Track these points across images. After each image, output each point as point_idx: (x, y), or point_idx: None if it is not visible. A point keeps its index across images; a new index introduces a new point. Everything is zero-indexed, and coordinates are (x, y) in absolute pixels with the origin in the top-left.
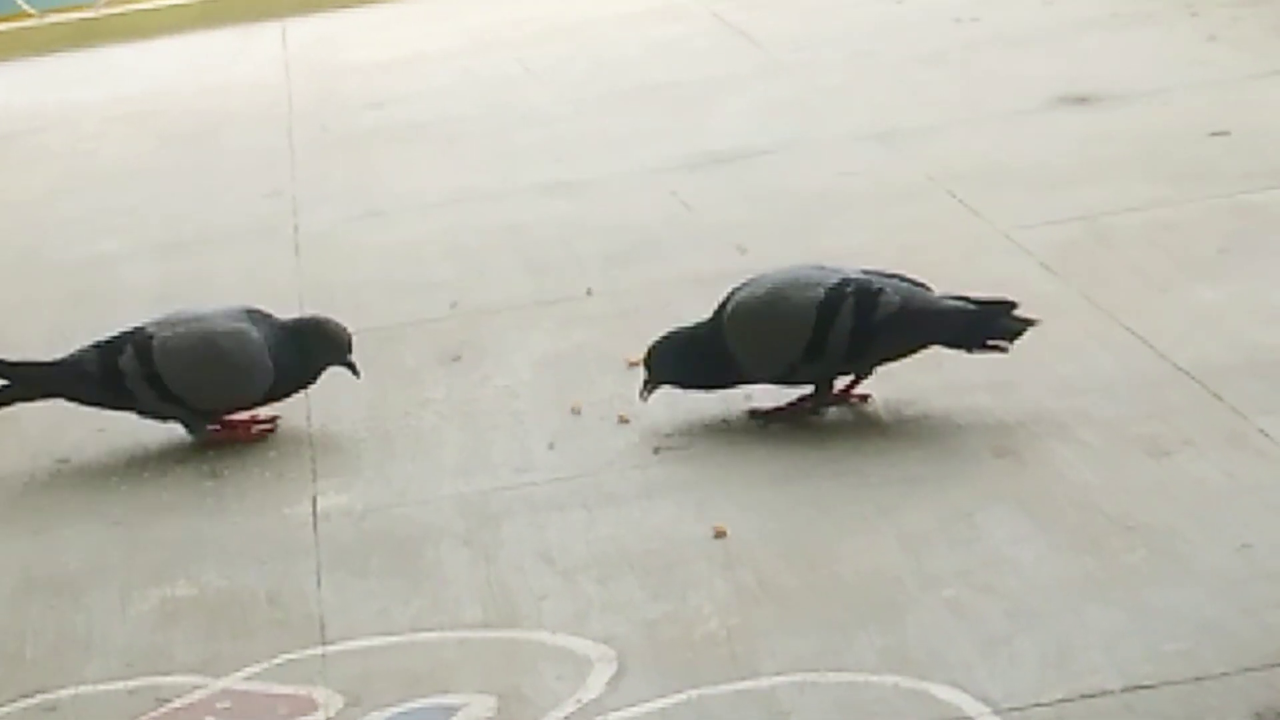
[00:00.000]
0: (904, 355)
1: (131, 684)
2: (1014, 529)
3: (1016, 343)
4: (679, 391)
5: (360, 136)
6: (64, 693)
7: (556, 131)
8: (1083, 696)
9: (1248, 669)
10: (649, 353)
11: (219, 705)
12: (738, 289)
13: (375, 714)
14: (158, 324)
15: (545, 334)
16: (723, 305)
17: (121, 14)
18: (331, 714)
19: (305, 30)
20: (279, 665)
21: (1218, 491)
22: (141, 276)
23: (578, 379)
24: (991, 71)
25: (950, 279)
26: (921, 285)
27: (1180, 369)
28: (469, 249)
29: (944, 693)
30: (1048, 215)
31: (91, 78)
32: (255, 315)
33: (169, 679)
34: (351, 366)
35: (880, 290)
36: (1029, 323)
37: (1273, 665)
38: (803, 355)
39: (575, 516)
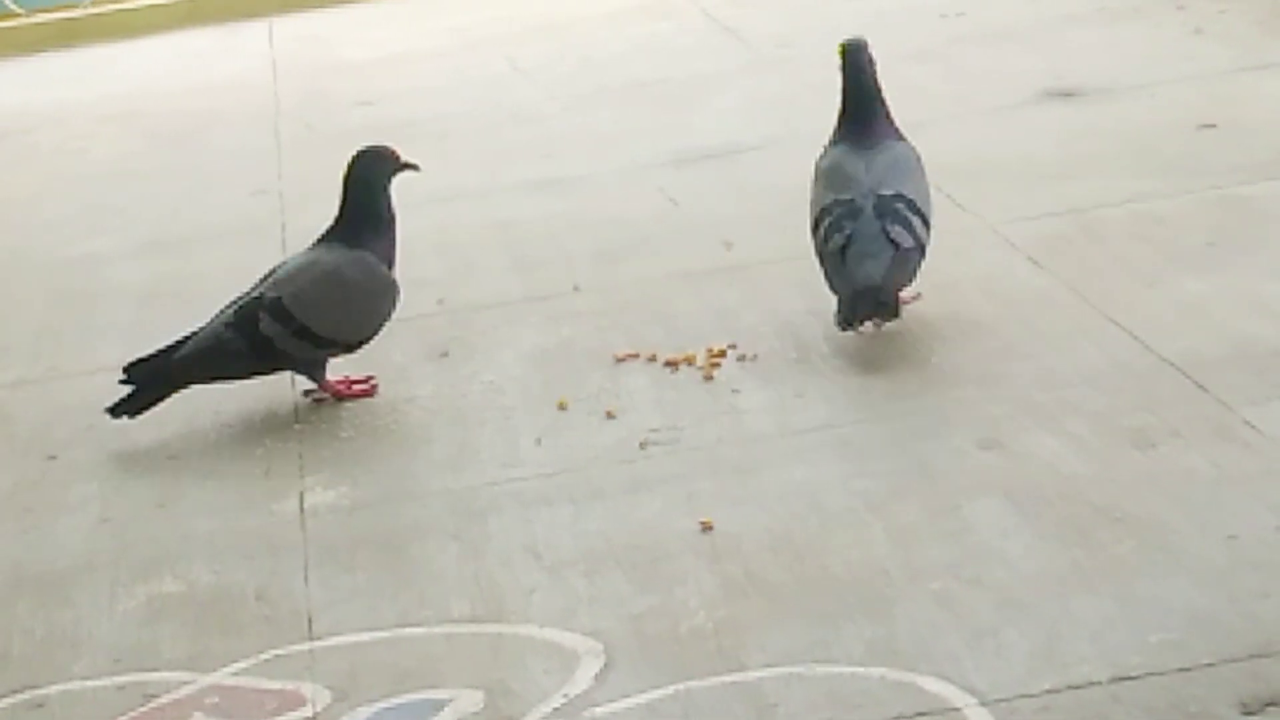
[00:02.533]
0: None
1: (120, 680)
2: (1001, 521)
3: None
4: (667, 384)
5: (348, 134)
6: (52, 689)
7: (545, 129)
8: (1070, 687)
9: (1234, 659)
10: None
11: (207, 701)
12: (838, 142)
13: (363, 709)
14: (272, 285)
15: (533, 330)
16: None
17: (108, 13)
18: (319, 709)
19: (292, 28)
20: (267, 661)
21: (1205, 483)
22: (129, 275)
23: (565, 375)
24: (978, 66)
25: (938, 273)
26: (901, 245)
27: (1167, 361)
28: (457, 246)
29: (931, 684)
30: (1035, 209)
31: (79, 77)
32: (339, 234)
33: (157, 675)
34: (410, 165)
35: (841, 228)
36: (865, 319)
37: (1259, 655)
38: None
39: (562, 511)
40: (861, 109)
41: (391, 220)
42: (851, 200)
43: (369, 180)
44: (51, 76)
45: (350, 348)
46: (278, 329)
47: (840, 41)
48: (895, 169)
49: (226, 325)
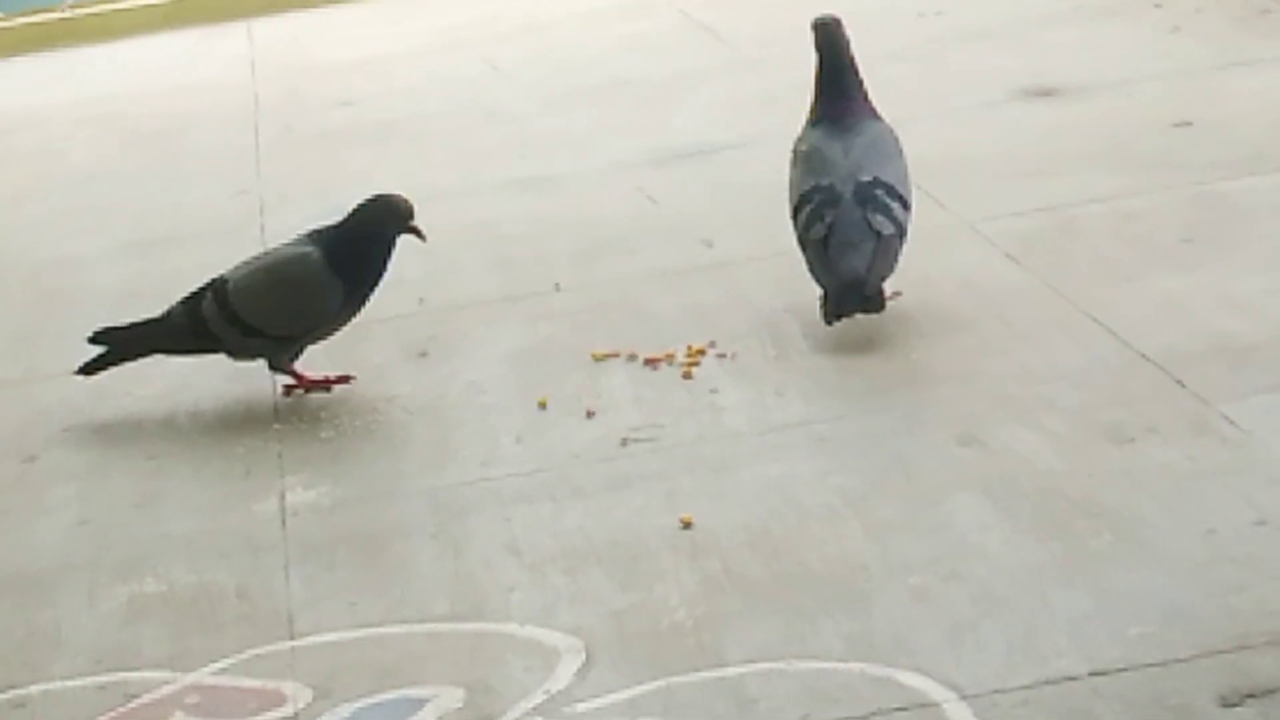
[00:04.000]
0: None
1: (100, 680)
2: (979, 516)
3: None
4: (646, 382)
5: (327, 135)
6: (33, 689)
7: (523, 129)
8: (1049, 681)
9: (1213, 652)
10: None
11: (188, 700)
12: (816, 116)
13: (344, 707)
14: (234, 269)
15: (512, 329)
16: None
17: (88, 15)
18: (300, 707)
19: (271, 30)
20: (247, 660)
21: (1182, 477)
22: (109, 276)
23: (545, 373)
24: (956, 65)
25: (916, 270)
26: (882, 232)
27: (1144, 356)
28: (436, 246)
29: (910, 679)
30: (1012, 206)
31: (58, 79)
32: (316, 234)
33: (138, 675)
34: (416, 231)
35: (822, 216)
36: (851, 314)
37: (1237, 648)
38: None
39: (543, 509)
40: (838, 86)
41: (380, 272)
42: (831, 186)
43: (374, 233)
44: (30, 79)
45: (280, 342)
46: (214, 311)
47: (814, 19)
48: (874, 152)
49: (182, 301)
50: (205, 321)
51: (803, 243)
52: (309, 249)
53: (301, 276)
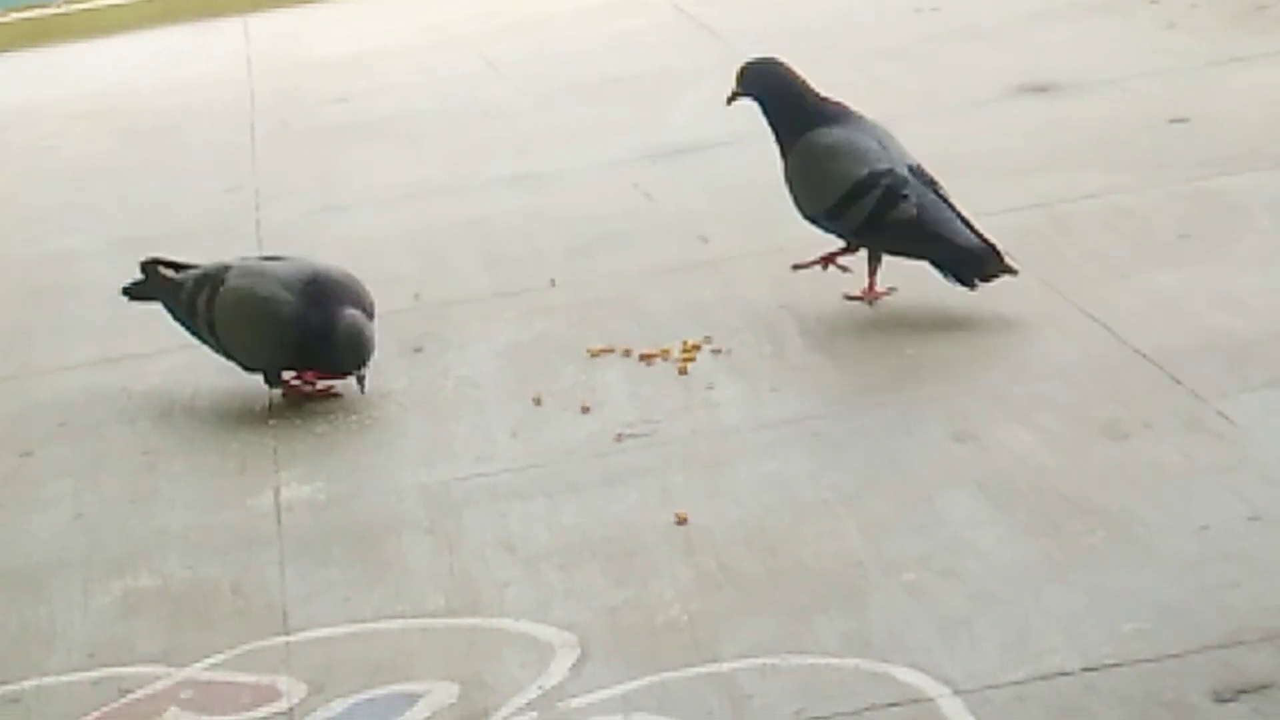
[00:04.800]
0: (902, 255)
1: (94, 675)
2: (974, 513)
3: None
4: (642, 378)
5: (322, 132)
6: (27, 684)
7: (518, 125)
8: (1043, 677)
9: (1206, 648)
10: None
11: (182, 695)
12: (816, 125)
13: (338, 702)
14: (238, 270)
15: (507, 325)
16: (799, 129)
17: (83, 10)
18: (294, 702)
19: (267, 26)
20: (242, 655)
21: (1176, 474)
22: (103, 273)
23: (540, 369)
24: (951, 62)
25: (911, 266)
26: (945, 200)
27: (1139, 353)
28: (431, 242)
29: (905, 675)
30: (1008, 203)
31: (53, 75)
32: (311, 284)
33: (132, 669)
34: (359, 380)
35: (905, 196)
36: (1008, 270)
37: (1231, 645)
38: (825, 213)
39: (537, 505)
40: (809, 102)
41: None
42: (892, 170)
43: (338, 346)
44: (25, 74)
45: (245, 367)
46: (203, 309)
47: (743, 65)
48: (896, 142)
49: (197, 278)
50: (196, 314)
51: (878, 224)
52: (289, 299)
53: (264, 318)
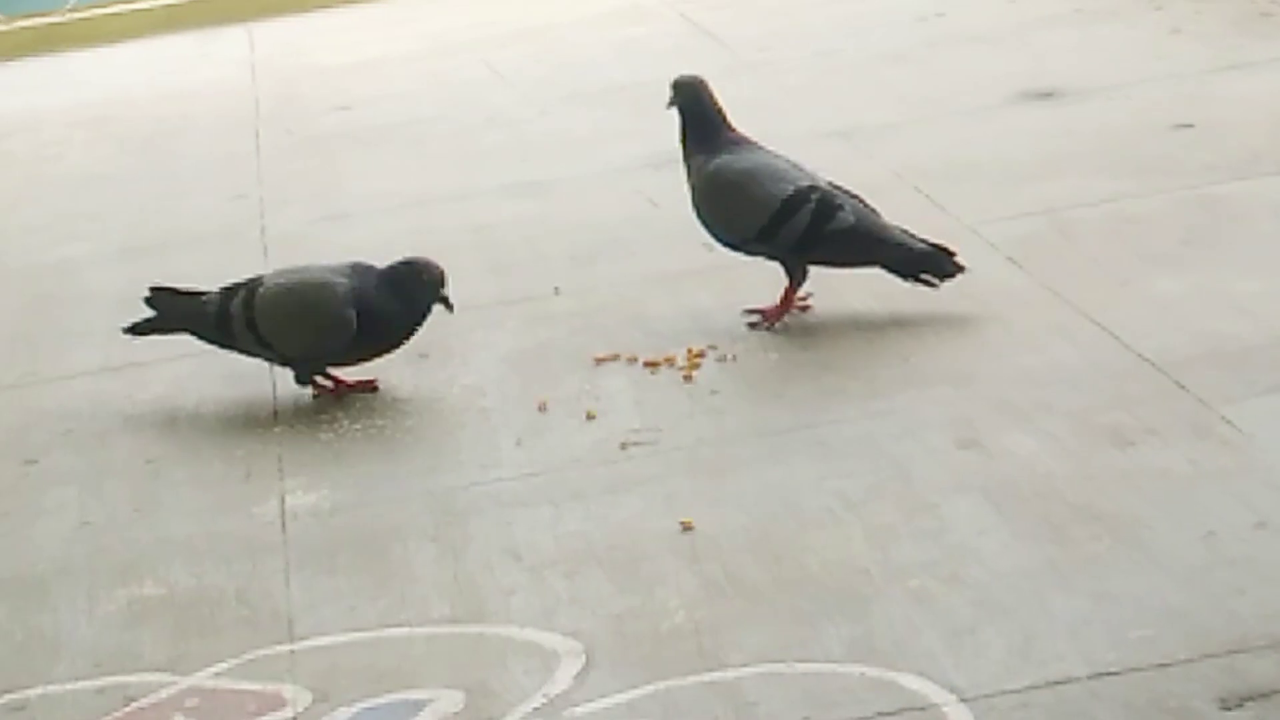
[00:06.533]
0: (845, 267)
1: (100, 683)
2: (979, 520)
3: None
4: (646, 385)
5: (326, 139)
6: (32, 692)
7: (522, 132)
8: (1048, 684)
9: (1212, 655)
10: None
11: (187, 703)
12: (721, 151)
13: (343, 710)
14: (274, 273)
15: (511, 333)
16: (710, 157)
17: (85, 19)
18: (299, 710)
19: (270, 34)
20: (247, 662)
21: (1182, 480)
22: (106, 281)
23: (544, 376)
24: (955, 68)
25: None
26: (874, 211)
27: (1144, 359)
28: (435, 249)
29: (910, 682)
30: (1012, 209)
31: (55, 83)
32: (358, 269)
33: (137, 678)
34: (445, 301)
35: (840, 206)
36: (960, 269)
37: (1236, 651)
38: (755, 237)
39: (542, 512)
40: (719, 126)
41: (403, 331)
42: (815, 185)
43: (405, 295)
44: (27, 83)
45: (286, 360)
46: (239, 310)
47: (676, 81)
48: (807, 165)
49: (222, 289)
50: (230, 319)
51: (815, 238)
52: (340, 280)
53: (317, 305)
